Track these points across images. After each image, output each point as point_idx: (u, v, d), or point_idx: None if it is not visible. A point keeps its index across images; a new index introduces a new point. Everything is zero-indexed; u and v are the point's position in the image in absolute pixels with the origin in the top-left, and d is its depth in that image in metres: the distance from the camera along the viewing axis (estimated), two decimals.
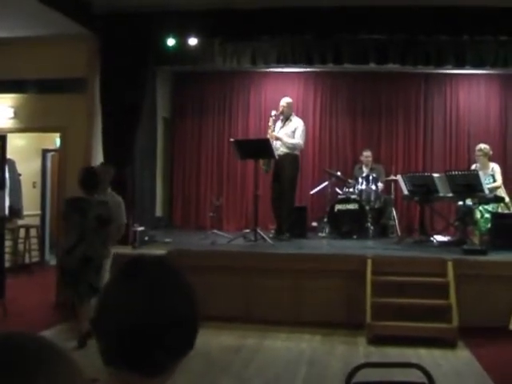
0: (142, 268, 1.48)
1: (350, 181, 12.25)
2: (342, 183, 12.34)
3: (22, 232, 13.15)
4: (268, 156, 10.42)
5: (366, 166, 12.59)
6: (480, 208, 10.18)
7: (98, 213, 7.34)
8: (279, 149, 10.70)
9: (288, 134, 10.80)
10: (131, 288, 1.43)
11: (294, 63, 11.33)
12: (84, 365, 1.20)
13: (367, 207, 11.56)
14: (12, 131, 11.05)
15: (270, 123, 10.96)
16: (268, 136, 10.72)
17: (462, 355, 7.53)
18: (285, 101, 11.05)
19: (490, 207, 10.17)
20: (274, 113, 10.97)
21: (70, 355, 1.00)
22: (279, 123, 11.04)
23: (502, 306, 8.35)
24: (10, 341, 0.94)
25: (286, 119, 10.97)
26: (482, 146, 10.81)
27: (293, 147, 10.78)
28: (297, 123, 10.95)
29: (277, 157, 10.47)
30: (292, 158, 10.79)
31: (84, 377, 1.00)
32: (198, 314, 1.48)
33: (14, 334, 0.95)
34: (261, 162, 10.76)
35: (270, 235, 10.59)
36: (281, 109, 10.93)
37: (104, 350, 1.43)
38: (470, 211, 10.17)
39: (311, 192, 12.77)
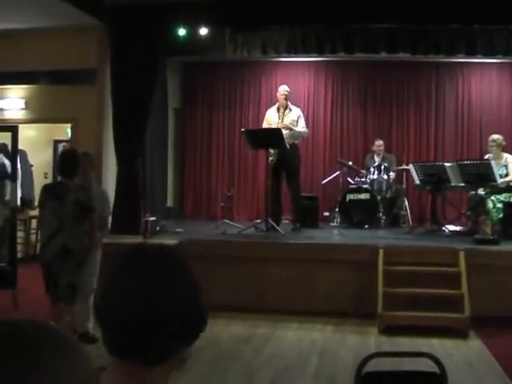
0: (143, 257, 1.49)
1: (361, 170, 12.24)
2: (353, 173, 12.32)
3: (33, 223, 13.18)
4: (279, 146, 10.28)
5: (378, 155, 12.54)
6: (492, 198, 10.14)
7: (77, 198, 6.62)
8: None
9: (292, 123, 10.67)
10: (133, 277, 1.44)
11: (305, 52, 11.28)
12: (92, 353, 1.20)
13: (379, 197, 11.53)
14: (23, 122, 11.09)
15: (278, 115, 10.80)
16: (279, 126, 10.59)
17: (474, 345, 7.51)
18: (286, 88, 10.89)
19: (502, 197, 10.13)
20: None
21: (79, 344, 0.99)
22: (275, 113, 10.81)
23: None
24: (19, 327, 0.93)
25: (285, 108, 10.85)
26: (496, 136, 10.74)
27: (299, 136, 10.70)
28: (297, 112, 10.79)
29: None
30: (296, 148, 10.70)
31: (92, 366, 0.99)
32: (202, 303, 1.48)
33: (25, 321, 0.95)
34: (270, 154, 10.58)
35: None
36: (284, 96, 10.74)
37: (107, 339, 1.45)
38: (481, 201, 10.12)
39: (323, 182, 12.75)
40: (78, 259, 6.66)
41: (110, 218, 7.83)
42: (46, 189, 6.97)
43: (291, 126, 10.58)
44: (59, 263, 6.57)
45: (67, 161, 6.93)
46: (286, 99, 10.69)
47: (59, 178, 7.03)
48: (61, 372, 0.89)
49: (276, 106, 10.89)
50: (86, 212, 6.71)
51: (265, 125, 10.81)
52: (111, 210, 7.81)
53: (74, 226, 6.62)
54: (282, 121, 10.61)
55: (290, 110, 10.76)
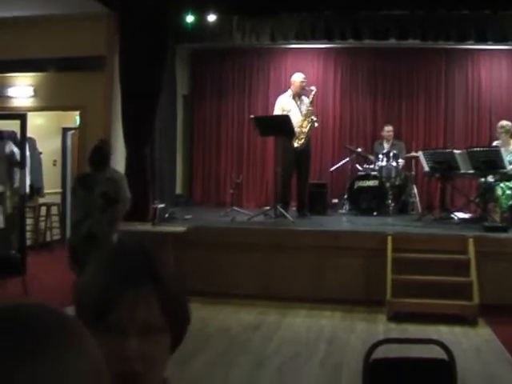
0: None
1: (370, 157, 12.21)
2: (362, 160, 12.29)
3: (43, 210, 13.25)
4: (288, 133, 10.32)
5: (388, 141, 12.52)
6: (501, 185, 10.10)
7: (105, 190, 7.11)
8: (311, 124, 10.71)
9: (308, 110, 10.74)
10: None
11: (314, 39, 11.25)
12: None
13: (387, 184, 11.50)
14: (32, 110, 11.10)
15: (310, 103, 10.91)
16: (315, 118, 10.79)
17: (483, 332, 7.51)
18: (303, 76, 10.99)
19: (511, 184, 10.09)
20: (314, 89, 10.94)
21: (88, 332, 0.98)
22: (291, 100, 10.87)
23: None
24: (28, 311, 0.92)
25: (300, 96, 10.92)
26: (504, 122, 10.70)
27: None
28: (307, 98, 10.93)
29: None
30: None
31: (101, 355, 0.98)
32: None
33: (35, 305, 0.93)
34: (299, 137, 10.54)
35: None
36: (303, 84, 10.83)
37: None
38: (490, 188, 10.10)
39: (331, 169, 12.72)
40: (101, 243, 6.97)
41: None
42: (78, 178, 7.71)
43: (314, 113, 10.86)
44: (86, 247, 6.93)
45: (97, 153, 7.36)
46: (303, 87, 10.76)
47: (90, 169, 7.41)
48: (69, 361, 0.88)
49: (289, 93, 10.93)
50: (112, 203, 7.14)
51: (278, 112, 10.79)
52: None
53: (99, 214, 7.09)
54: (301, 108, 10.75)
55: (302, 96, 10.86)
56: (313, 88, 10.86)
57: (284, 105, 10.81)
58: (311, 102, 10.79)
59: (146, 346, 1.31)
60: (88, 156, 7.41)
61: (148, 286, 1.32)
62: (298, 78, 10.94)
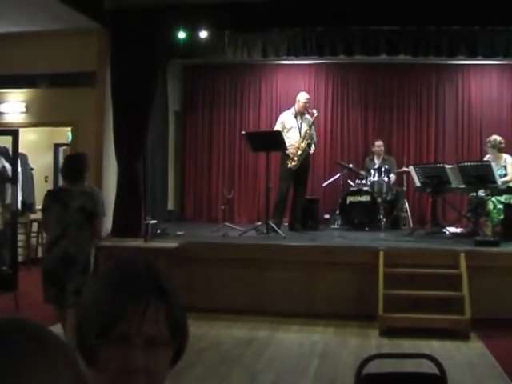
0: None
1: (361, 172, 12.24)
2: (354, 175, 12.32)
3: (34, 226, 13.19)
4: (280, 148, 10.40)
5: (378, 156, 12.56)
6: (492, 199, 10.13)
7: (82, 204, 6.33)
8: (305, 147, 10.73)
9: (307, 131, 10.80)
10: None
11: (305, 55, 11.27)
12: None
13: (379, 199, 11.53)
14: (24, 126, 11.09)
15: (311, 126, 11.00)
16: (313, 146, 10.97)
17: (475, 347, 7.51)
18: (308, 96, 11.13)
19: (502, 198, 10.11)
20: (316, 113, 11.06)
21: (68, 346, 0.97)
22: (292, 118, 10.93)
23: None
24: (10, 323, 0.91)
25: (303, 114, 10.94)
26: (492, 137, 10.72)
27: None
28: (309, 118, 10.94)
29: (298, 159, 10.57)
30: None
31: (80, 370, 0.97)
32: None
33: (7, 320, 0.93)
34: (293, 158, 10.62)
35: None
36: (306, 104, 10.91)
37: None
38: (482, 202, 10.12)
39: (323, 184, 12.74)
40: (80, 265, 6.40)
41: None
42: (49, 194, 6.71)
43: (314, 137, 11.02)
44: (64, 270, 6.32)
45: (72, 165, 6.66)
46: (306, 108, 10.87)
47: (63, 183, 6.80)
48: (43, 371, 0.87)
49: (292, 111, 11.02)
50: (90, 218, 6.43)
51: (279, 127, 10.85)
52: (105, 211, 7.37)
53: (77, 232, 6.38)
54: (301, 127, 10.84)
55: (305, 115, 10.93)
56: (315, 111, 11.00)
57: (285, 121, 10.89)
58: (310, 126, 10.84)
59: (150, 359, 1.32)
60: (61, 167, 6.90)
61: (157, 298, 1.34)
62: (302, 97, 11.06)
